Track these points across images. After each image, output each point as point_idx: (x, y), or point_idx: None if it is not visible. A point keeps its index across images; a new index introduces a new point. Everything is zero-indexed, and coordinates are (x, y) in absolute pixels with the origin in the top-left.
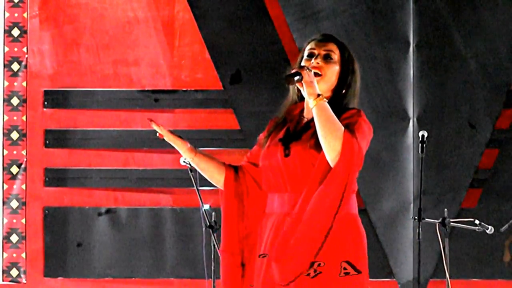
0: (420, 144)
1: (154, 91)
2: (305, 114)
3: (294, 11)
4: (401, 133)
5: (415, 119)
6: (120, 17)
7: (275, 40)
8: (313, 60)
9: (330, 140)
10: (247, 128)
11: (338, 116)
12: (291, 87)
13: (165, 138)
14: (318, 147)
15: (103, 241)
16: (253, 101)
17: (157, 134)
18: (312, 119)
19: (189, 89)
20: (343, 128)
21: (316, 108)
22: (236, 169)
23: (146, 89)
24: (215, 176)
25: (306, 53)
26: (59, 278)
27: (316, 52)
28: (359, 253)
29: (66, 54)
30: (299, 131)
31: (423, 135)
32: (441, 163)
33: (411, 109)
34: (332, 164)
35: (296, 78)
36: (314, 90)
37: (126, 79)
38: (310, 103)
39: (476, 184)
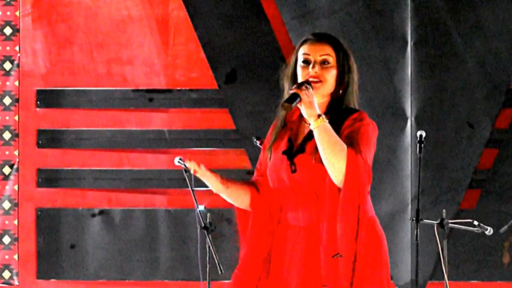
0: (418, 144)
1: (148, 91)
2: (305, 119)
3: (290, 9)
4: (399, 133)
5: (413, 119)
6: (114, 16)
7: (271, 39)
8: (310, 69)
9: (334, 162)
10: (243, 128)
11: (341, 121)
12: (286, 87)
13: (198, 175)
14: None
15: (97, 242)
16: (249, 101)
17: (191, 171)
18: None
19: (184, 88)
20: (345, 147)
21: (317, 130)
22: (255, 185)
23: (140, 88)
24: (244, 199)
25: (300, 58)
26: (52, 280)
27: (311, 58)
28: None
29: (59, 53)
30: (302, 142)
31: (421, 135)
32: (440, 163)
33: (409, 109)
34: (339, 185)
35: (295, 102)
36: (314, 111)
37: (120, 78)
38: (311, 124)
39: (475, 184)
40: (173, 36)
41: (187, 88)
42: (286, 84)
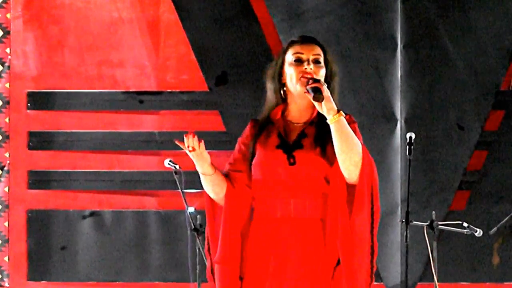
0: (407, 146)
1: (139, 93)
2: (291, 118)
3: (281, 11)
4: (389, 135)
5: (402, 121)
6: (105, 18)
7: (261, 41)
8: (306, 66)
9: (352, 156)
10: (233, 130)
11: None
12: (270, 87)
13: (194, 154)
14: (324, 155)
15: (88, 244)
16: (239, 103)
17: (188, 147)
18: (306, 124)
19: (174, 90)
20: (359, 142)
21: (336, 125)
22: (229, 179)
23: (131, 90)
24: (223, 188)
25: (291, 57)
26: (43, 282)
27: (304, 57)
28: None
29: (50, 55)
30: (297, 138)
31: (410, 137)
32: (429, 165)
33: (398, 111)
34: (353, 180)
35: (320, 95)
36: (333, 105)
37: (111, 80)
38: (328, 119)
39: (465, 186)
40: (163, 39)
41: (178, 90)
42: (269, 84)
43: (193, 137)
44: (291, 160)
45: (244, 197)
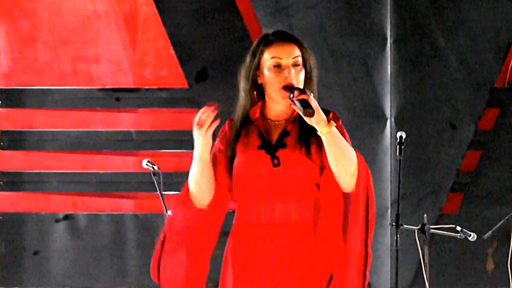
0: (398, 146)
1: (115, 90)
2: (271, 116)
3: (265, 4)
4: (378, 134)
5: (392, 119)
6: (79, 11)
7: (244, 35)
8: (287, 74)
9: (348, 166)
10: (214, 129)
11: None
12: (244, 87)
13: (201, 132)
14: (309, 154)
15: (61, 248)
16: (220, 100)
17: (200, 120)
18: (288, 121)
19: (152, 87)
20: (352, 149)
21: (328, 136)
22: None
23: (107, 87)
24: (209, 188)
25: (269, 61)
26: None
27: (283, 62)
28: None
29: (21, 50)
30: (279, 137)
31: (401, 136)
32: (421, 165)
33: (388, 109)
34: (348, 190)
35: (310, 109)
36: (323, 116)
37: (86, 76)
38: (319, 130)
39: (458, 188)
40: (141, 33)
41: (156, 87)
42: (244, 84)
43: (213, 111)
44: (275, 161)
45: (224, 201)
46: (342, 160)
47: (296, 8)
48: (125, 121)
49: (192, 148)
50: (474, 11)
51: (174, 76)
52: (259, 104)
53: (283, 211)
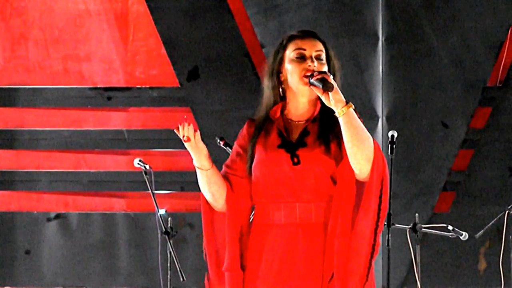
0: (389, 145)
1: (106, 89)
2: (292, 116)
3: (256, 3)
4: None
5: (384, 118)
6: (71, 10)
7: (235, 34)
8: (310, 63)
9: (363, 149)
10: (206, 127)
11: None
12: (270, 86)
13: (189, 144)
14: (329, 153)
15: (53, 248)
16: (212, 99)
17: (184, 137)
18: (308, 121)
19: (143, 86)
20: (369, 134)
21: (346, 117)
22: (228, 181)
23: (98, 86)
24: (220, 188)
25: (292, 53)
26: (6, 287)
27: (307, 53)
28: None
29: (13, 49)
30: (300, 137)
31: (392, 135)
32: (412, 165)
33: (380, 108)
34: (363, 175)
35: (329, 83)
36: (341, 97)
37: (77, 75)
38: (337, 111)
39: (450, 187)
40: (132, 32)
41: (147, 86)
42: (267, 82)
43: (188, 125)
44: (295, 160)
45: (244, 202)
46: (358, 143)
47: (287, 7)
48: (117, 120)
49: (183, 148)
50: (466, 10)
51: (165, 75)
52: (280, 104)
53: (304, 211)
